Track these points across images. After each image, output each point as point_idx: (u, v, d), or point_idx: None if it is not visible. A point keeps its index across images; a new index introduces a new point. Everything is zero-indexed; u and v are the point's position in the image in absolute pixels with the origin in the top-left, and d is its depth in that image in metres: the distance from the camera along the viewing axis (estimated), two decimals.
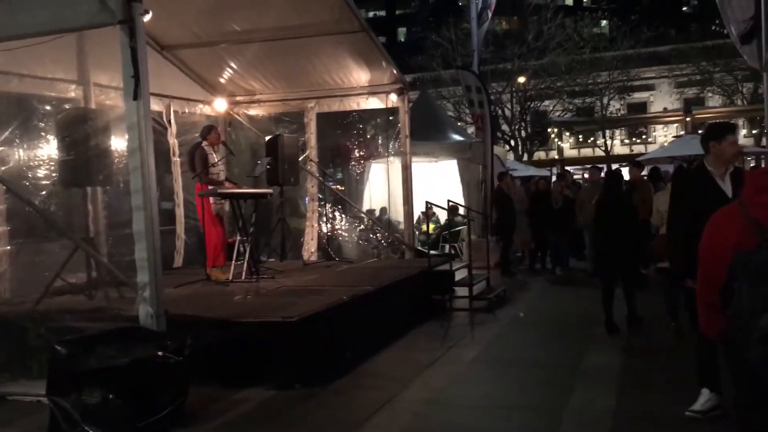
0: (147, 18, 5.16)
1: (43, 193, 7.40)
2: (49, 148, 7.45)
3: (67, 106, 7.81)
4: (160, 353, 4.69)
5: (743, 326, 2.64)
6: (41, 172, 7.45)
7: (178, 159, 9.86)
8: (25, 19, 5.41)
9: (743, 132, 35.58)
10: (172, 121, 9.85)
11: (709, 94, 34.84)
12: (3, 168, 6.85)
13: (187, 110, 10.26)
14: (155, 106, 8.85)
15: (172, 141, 9.85)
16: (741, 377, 2.77)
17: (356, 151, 12.24)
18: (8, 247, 6.68)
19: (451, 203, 10.84)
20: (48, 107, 7.74)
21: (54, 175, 7.34)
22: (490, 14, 16.29)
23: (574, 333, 7.65)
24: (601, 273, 7.85)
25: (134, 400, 4.48)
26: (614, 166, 24.88)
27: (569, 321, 8.43)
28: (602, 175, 13.18)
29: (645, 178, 11.52)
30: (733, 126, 4.69)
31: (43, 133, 7.55)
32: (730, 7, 8.72)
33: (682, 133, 25.86)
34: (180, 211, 9.91)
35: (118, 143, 7.10)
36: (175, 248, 9.82)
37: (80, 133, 6.71)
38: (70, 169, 6.74)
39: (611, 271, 7.57)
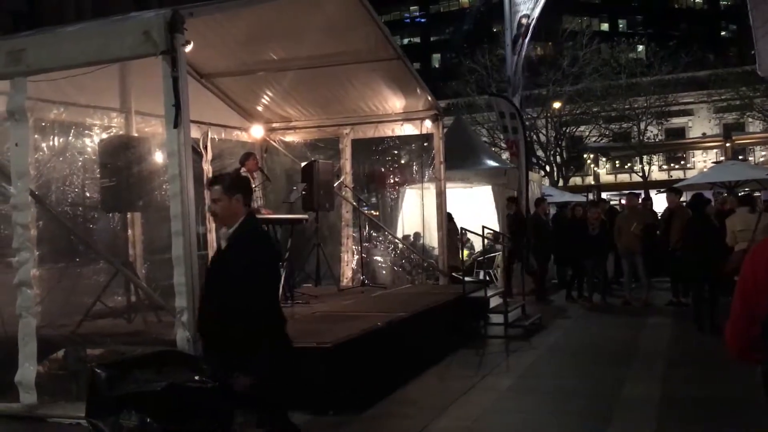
0: (188, 48, 5.29)
1: (83, 218, 7.57)
2: (91, 174, 7.63)
3: (109, 134, 8.02)
4: (196, 377, 4.72)
5: None
6: (83, 198, 7.63)
7: None
8: (71, 50, 5.59)
9: None
10: (209, 147, 10.03)
11: (750, 119, 34.24)
12: (46, 193, 7.01)
13: (223, 136, 10.44)
14: (193, 132, 9.02)
15: (207, 167, 10.01)
16: None
17: (391, 177, 12.27)
18: (39, 272, 6.78)
19: (486, 229, 10.79)
20: (91, 134, 7.95)
21: (88, 201, 7.51)
22: (524, 42, 16.27)
23: (611, 361, 7.51)
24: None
25: (171, 424, 4.50)
26: (652, 192, 24.64)
27: (607, 349, 8.28)
28: (639, 200, 13.06)
29: (683, 204, 11.33)
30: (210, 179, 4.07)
31: (85, 160, 7.75)
32: None
33: (722, 158, 25.46)
34: (211, 237, 10.03)
35: (159, 170, 7.25)
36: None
37: (122, 159, 6.87)
38: (112, 194, 6.90)
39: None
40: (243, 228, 3.85)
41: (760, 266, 2.71)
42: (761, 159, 34.11)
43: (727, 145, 24.14)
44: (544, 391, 6.43)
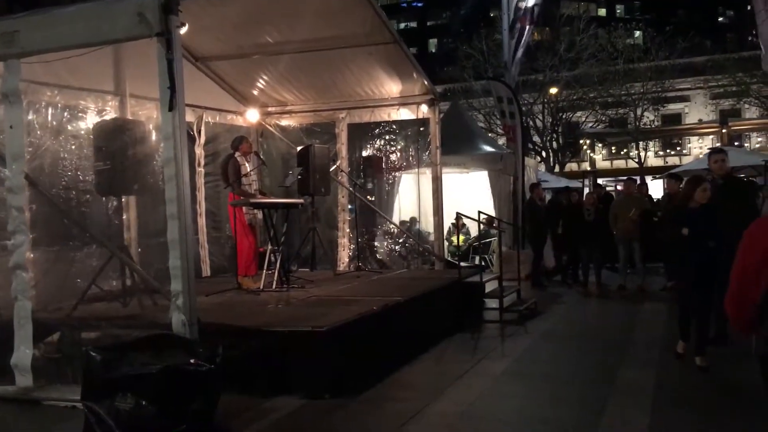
0: (183, 30, 5.24)
1: (78, 201, 7.54)
2: (85, 158, 7.59)
3: (103, 117, 7.97)
4: (192, 361, 4.73)
5: None
6: (77, 181, 7.60)
7: (203, 169, 9.99)
8: (65, 32, 5.53)
9: None
10: (202, 131, 9.99)
11: (746, 106, 34.24)
12: (40, 176, 6.97)
13: (218, 120, 10.39)
14: (188, 116, 8.97)
15: (199, 151, 9.98)
16: None
17: (387, 161, 12.24)
18: (33, 255, 6.76)
19: (482, 214, 10.80)
20: (85, 117, 7.90)
21: (82, 184, 7.48)
22: (525, 26, 16.18)
23: (606, 347, 7.55)
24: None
25: (166, 407, 4.51)
26: (648, 178, 24.64)
27: (602, 335, 8.32)
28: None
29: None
30: None
31: (79, 143, 7.70)
32: None
33: (718, 145, 25.47)
34: (202, 221, 10.00)
35: (153, 153, 7.21)
36: (200, 257, 9.92)
37: (116, 142, 6.82)
38: (106, 178, 6.86)
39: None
40: None
41: (753, 247, 2.70)
42: (757, 145, 34.16)
43: (724, 131, 24.12)
44: (539, 376, 6.45)
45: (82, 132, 7.76)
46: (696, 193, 6.25)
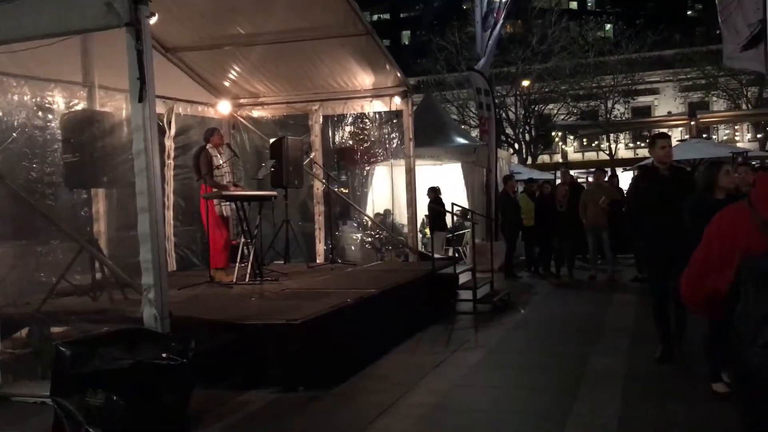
0: (153, 21, 5.17)
1: (46, 194, 7.40)
2: (53, 150, 7.46)
3: (71, 108, 7.83)
4: (164, 355, 4.68)
5: (748, 332, 2.60)
6: (45, 174, 7.46)
7: (173, 162, 9.86)
8: (31, 22, 5.42)
9: (747, 136, 35.57)
10: (173, 123, 9.86)
11: (714, 98, 34.77)
12: (7, 168, 6.84)
13: (189, 112, 10.27)
14: (158, 108, 8.85)
15: (169, 143, 9.84)
16: (746, 390, 2.71)
17: (360, 154, 12.22)
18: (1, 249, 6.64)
19: (455, 206, 10.84)
20: (53, 109, 7.75)
21: (50, 177, 7.35)
22: (497, 18, 16.19)
23: (578, 337, 7.63)
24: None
25: (138, 401, 4.47)
26: (618, 170, 24.90)
27: (574, 325, 8.40)
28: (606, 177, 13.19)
29: None
30: None
31: (46, 135, 7.56)
32: (741, 9, 8.68)
33: (687, 137, 25.84)
34: (169, 214, 9.87)
35: (123, 145, 7.10)
36: (166, 251, 9.76)
37: (85, 134, 6.72)
38: (75, 170, 6.75)
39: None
40: None
41: (723, 234, 2.73)
42: (725, 137, 34.72)
43: (692, 123, 24.44)
44: (512, 366, 6.51)
45: (50, 124, 7.62)
46: (719, 178, 5.34)
